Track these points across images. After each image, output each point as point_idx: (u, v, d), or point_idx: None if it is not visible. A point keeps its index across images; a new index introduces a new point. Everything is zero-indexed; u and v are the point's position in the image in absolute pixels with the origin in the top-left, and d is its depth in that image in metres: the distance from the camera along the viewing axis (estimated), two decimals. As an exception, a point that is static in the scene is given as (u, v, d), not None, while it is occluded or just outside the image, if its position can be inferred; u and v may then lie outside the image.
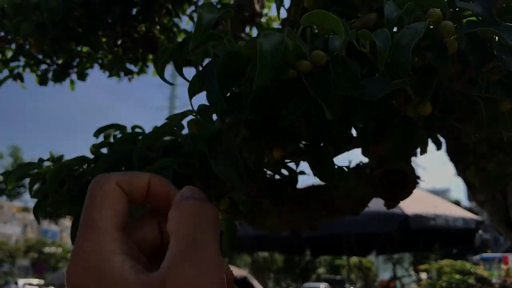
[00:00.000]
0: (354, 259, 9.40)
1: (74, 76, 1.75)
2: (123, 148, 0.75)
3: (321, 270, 15.69)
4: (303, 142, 0.56)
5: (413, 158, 0.74)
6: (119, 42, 1.33)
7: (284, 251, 8.22)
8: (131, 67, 1.79)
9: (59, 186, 0.75)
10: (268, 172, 0.79)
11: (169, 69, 2.34)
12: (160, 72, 0.63)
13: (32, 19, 1.07)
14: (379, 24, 0.49)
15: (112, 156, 0.75)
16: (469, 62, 0.47)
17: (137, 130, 0.86)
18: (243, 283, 8.70)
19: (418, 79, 0.43)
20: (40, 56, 1.52)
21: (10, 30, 1.11)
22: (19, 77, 1.67)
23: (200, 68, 0.57)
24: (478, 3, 0.45)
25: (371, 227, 4.91)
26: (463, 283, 4.29)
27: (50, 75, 1.69)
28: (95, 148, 0.82)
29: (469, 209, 8.64)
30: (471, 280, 4.26)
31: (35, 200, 0.76)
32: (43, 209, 0.74)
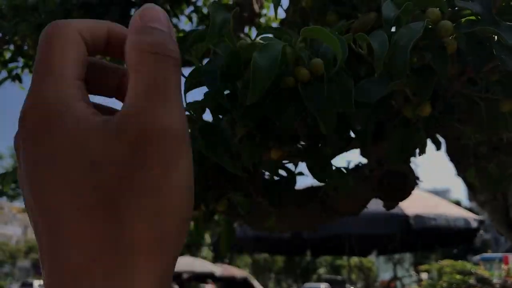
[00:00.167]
0: (355, 260, 9.39)
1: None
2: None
3: (321, 271, 15.70)
4: (302, 143, 0.56)
5: (412, 159, 0.73)
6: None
7: (285, 252, 8.22)
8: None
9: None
10: (267, 173, 0.79)
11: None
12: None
13: (30, 20, 1.06)
14: (379, 24, 0.49)
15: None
16: (469, 62, 0.47)
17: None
18: (244, 284, 8.70)
19: (417, 79, 0.42)
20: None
21: (8, 31, 1.10)
22: (17, 78, 1.67)
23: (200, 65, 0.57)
24: (477, 3, 0.44)
25: (372, 228, 4.90)
26: (463, 283, 4.28)
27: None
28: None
29: (470, 209, 8.63)
30: (472, 281, 4.25)
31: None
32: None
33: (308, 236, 5.28)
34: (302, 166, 0.54)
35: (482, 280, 4.23)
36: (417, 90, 0.42)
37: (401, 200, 0.69)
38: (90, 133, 0.24)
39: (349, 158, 0.80)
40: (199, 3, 1.89)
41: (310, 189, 0.89)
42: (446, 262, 4.84)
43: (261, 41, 0.47)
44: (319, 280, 13.72)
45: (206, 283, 8.72)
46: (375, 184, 0.67)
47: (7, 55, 1.68)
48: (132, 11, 1.23)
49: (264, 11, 1.98)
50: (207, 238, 12.26)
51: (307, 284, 11.54)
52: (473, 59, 0.46)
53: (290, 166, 0.79)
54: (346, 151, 0.58)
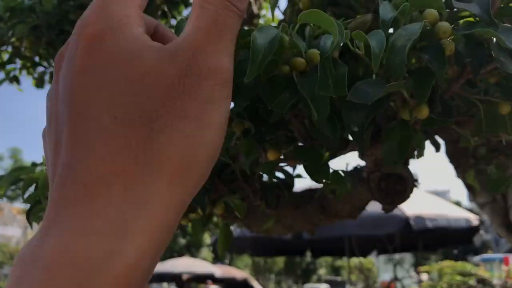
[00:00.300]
0: (355, 260, 9.39)
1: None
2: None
3: (321, 271, 15.70)
4: (299, 144, 0.55)
5: (411, 161, 0.73)
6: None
7: (285, 253, 8.22)
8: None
9: (52, 191, 0.74)
10: (264, 176, 0.78)
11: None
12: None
13: (27, 22, 1.06)
14: (376, 26, 0.48)
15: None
16: (467, 64, 0.46)
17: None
18: (244, 285, 8.70)
19: (414, 81, 0.42)
20: (37, 58, 1.51)
21: (4, 33, 1.10)
22: (15, 79, 1.67)
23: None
24: (476, 4, 0.44)
25: (372, 229, 4.91)
26: (463, 284, 4.28)
27: (47, 77, 1.68)
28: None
29: (470, 210, 8.63)
30: (472, 282, 4.25)
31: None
32: (35, 215, 0.72)
33: (308, 237, 5.28)
34: (300, 168, 0.53)
35: (482, 281, 4.22)
36: (414, 92, 0.41)
37: (400, 203, 0.68)
38: (145, 52, 0.24)
39: (348, 161, 0.80)
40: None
41: (308, 192, 0.89)
42: (446, 263, 4.84)
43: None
44: (319, 281, 13.72)
45: (206, 284, 8.71)
46: (373, 187, 0.67)
47: (5, 56, 1.67)
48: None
49: (263, 12, 1.98)
50: (207, 238, 12.26)
51: (307, 285, 11.54)
52: (471, 61, 0.45)
53: (288, 168, 0.79)
54: (344, 153, 0.57)
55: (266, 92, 0.41)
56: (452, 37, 0.44)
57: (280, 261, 14.19)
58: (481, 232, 5.81)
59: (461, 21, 0.48)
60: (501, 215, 1.20)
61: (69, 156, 0.23)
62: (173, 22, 1.62)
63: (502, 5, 0.48)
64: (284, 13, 0.77)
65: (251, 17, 1.68)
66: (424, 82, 0.40)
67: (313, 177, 0.43)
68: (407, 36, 0.39)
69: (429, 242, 6.06)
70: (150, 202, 0.22)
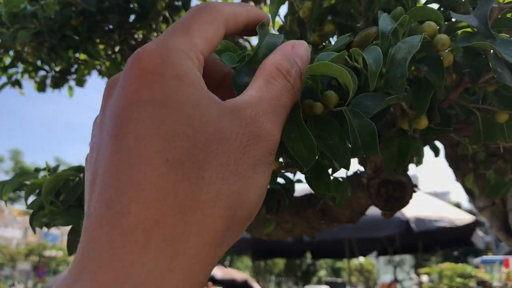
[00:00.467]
0: (355, 262, 9.37)
1: (72, 82, 1.75)
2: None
3: (322, 273, 15.68)
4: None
5: (410, 166, 0.74)
6: (116, 49, 1.33)
7: (285, 255, 8.21)
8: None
9: (55, 197, 0.74)
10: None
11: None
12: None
13: (30, 28, 1.07)
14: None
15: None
16: (465, 74, 0.47)
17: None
18: (244, 287, 8.69)
19: (414, 93, 0.42)
20: (39, 63, 1.52)
21: (7, 39, 1.10)
22: (17, 83, 1.67)
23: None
24: (473, 16, 0.44)
25: (372, 232, 4.91)
26: (464, 286, 4.28)
27: (48, 81, 1.69)
28: (91, 158, 0.81)
29: (470, 212, 8.62)
30: (472, 284, 4.25)
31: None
32: (39, 220, 0.73)
33: (308, 239, 5.28)
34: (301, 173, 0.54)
35: (482, 283, 4.23)
36: (414, 104, 0.42)
37: (399, 208, 0.69)
38: (210, 102, 0.24)
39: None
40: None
41: (308, 197, 0.89)
42: (446, 265, 4.84)
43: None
44: (320, 282, 13.71)
45: (207, 285, 8.70)
46: (373, 193, 0.68)
47: (7, 60, 1.68)
48: (131, 17, 1.23)
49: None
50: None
51: (307, 287, 11.52)
52: (470, 72, 0.46)
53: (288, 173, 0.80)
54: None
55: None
56: (451, 48, 0.44)
57: (280, 262, 14.18)
58: (482, 234, 5.81)
59: (459, 32, 0.49)
60: (500, 219, 1.21)
61: (109, 193, 0.22)
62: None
63: (499, 16, 0.49)
64: (284, 18, 0.77)
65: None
66: (423, 94, 0.41)
67: (315, 189, 0.44)
68: (406, 49, 0.40)
69: (429, 244, 6.06)
70: (188, 254, 0.22)
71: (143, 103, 0.23)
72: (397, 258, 8.91)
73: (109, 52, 1.34)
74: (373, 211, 0.86)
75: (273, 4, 0.61)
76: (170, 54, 0.24)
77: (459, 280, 4.38)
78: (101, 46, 1.31)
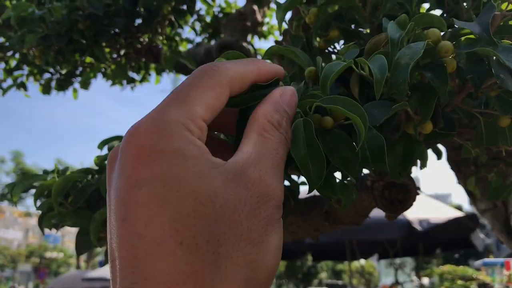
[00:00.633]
0: (356, 264, 9.36)
1: (77, 85, 1.77)
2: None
3: (323, 275, 15.65)
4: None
5: (413, 169, 0.75)
6: (122, 52, 1.34)
7: (286, 257, 8.21)
8: (134, 75, 1.81)
9: (64, 198, 0.75)
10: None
11: (171, 76, 2.35)
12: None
13: (37, 32, 1.08)
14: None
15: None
16: (468, 79, 0.48)
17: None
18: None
19: (418, 99, 0.44)
20: (45, 65, 1.54)
21: (14, 42, 1.12)
22: (22, 86, 1.69)
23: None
24: (476, 23, 0.46)
25: (374, 234, 4.90)
26: (465, 288, 4.29)
27: (53, 83, 1.70)
28: (99, 160, 0.82)
29: (471, 214, 8.61)
30: (473, 286, 4.25)
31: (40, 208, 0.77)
32: (48, 221, 0.74)
33: (309, 241, 5.28)
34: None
35: (483, 285, 4.23)
36: (418, 110, 0.43)
37: (403, 211, 0.70)
38: (212, 171, 0.23)
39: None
40: (202, 12, 1.92)
41: (313, 199, 0.90)
42: (447, 267, 4.84)
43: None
44: (320, 284, 13.69)
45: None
46: (377, 195, 0.69)
47: (13, 63, 1.70)
48: (137, 22, 1.25)
49: (266, 19, 2.00)
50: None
51: (308, 289, 11.50)
52: (473, 77, 0.47)
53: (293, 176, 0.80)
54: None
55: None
56: (454, 55, 0.46)
57: (281, 264, 14.17)
58: (483, 236, 5.81)
59: (462, 38, 0.50)
60: (502, 221, 1.22)
61: (129, 280, 0.21)
62: (180, 31, 1.65)
63: (501, 23, 0.50)
64: (289, 22, 0.78)
65: (255, 25, 1.70)
66: (428, 100, 0.42)
67: (319, 190, 0.45)
68: (410, 55, 0.41)
69: (430, 246, 6.06)
70: None
71: (145, 182, 0.22)
72: (398, 260, 8.90)
73: (115, 55, 1.36)
74: (375, 213, 0.87)
75: (280, 11, 0.62)
76: (167, 127, 0.23)
77: (460, 282, 4.38)
78: (107, 50, 1.33)
